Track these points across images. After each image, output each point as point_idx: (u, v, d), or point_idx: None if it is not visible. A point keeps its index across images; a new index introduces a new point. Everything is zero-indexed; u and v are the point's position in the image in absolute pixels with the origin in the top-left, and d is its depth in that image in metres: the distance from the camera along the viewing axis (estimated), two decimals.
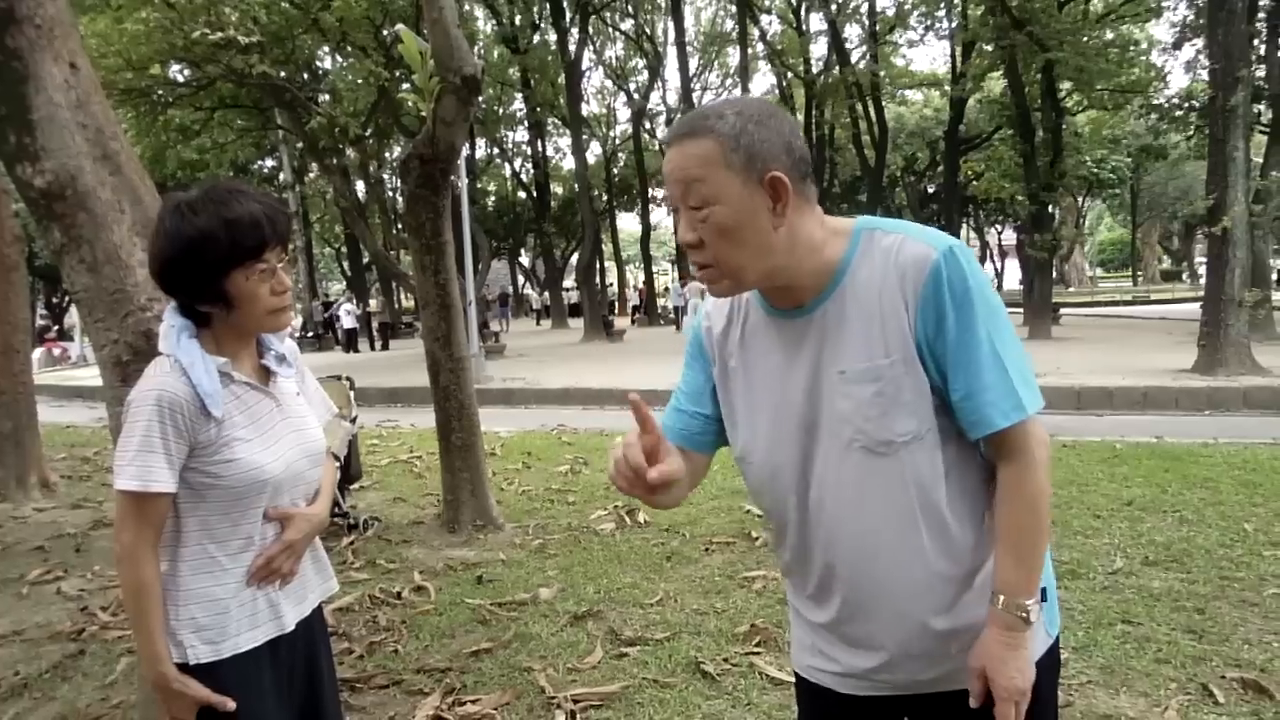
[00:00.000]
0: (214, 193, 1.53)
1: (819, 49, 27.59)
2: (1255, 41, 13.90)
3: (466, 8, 23.15)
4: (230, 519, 1.56)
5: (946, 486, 1.25)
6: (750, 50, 24.20)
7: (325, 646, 1.80)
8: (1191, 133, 19.35)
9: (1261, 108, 15.18)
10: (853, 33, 26.73)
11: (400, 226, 30.65)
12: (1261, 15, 14.29)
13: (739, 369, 1.39)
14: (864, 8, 24.85)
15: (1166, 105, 19.66)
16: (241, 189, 1.55)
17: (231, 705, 1.53)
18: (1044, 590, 1.30)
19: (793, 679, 1.52)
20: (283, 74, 15.94)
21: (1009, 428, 1.20)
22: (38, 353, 19.88)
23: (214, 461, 1.52)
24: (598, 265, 31.80)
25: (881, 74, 24.48)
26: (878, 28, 24.61)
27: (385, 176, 28.91)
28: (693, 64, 30.30)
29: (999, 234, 46.50)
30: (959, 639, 1.28)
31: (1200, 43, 17.55)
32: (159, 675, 1.50)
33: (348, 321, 24.11)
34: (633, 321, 31.71)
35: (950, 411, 1.23)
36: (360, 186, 21.94)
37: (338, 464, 1.93)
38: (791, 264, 1.25)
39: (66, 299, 32.93)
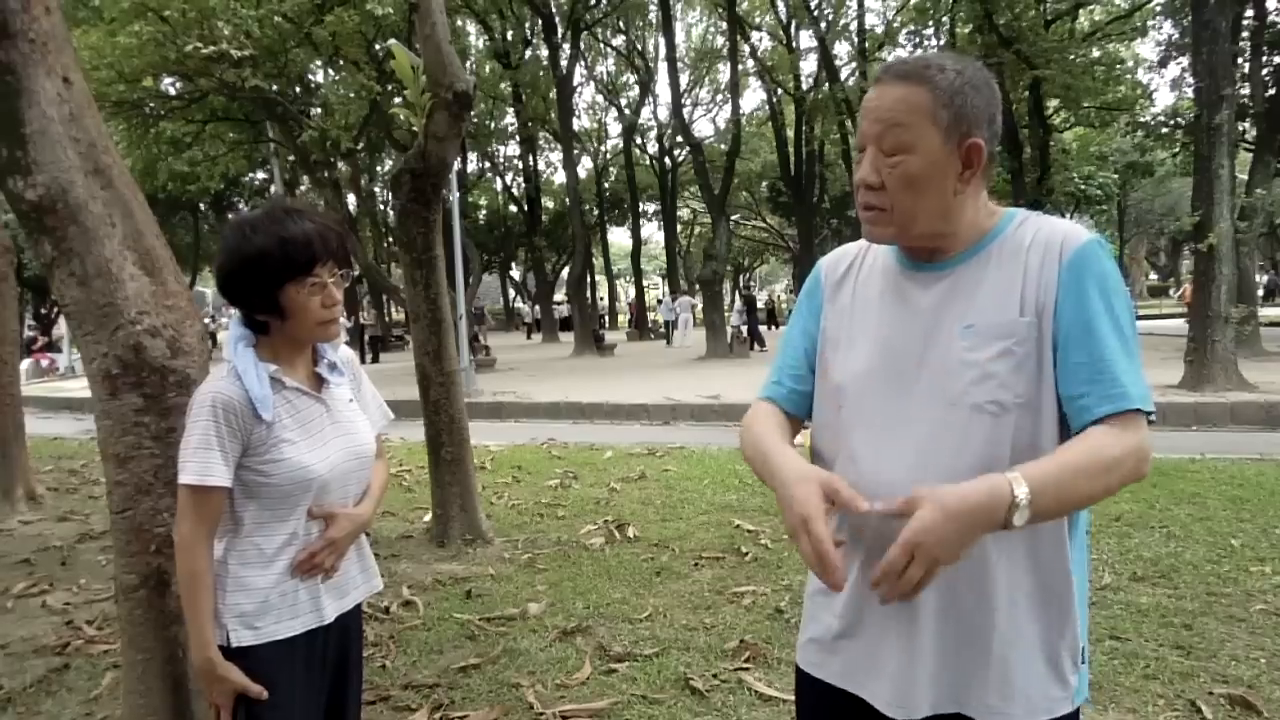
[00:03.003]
0: (273, 213, 1.68)
1: (809, 66, 27.82)
2: (1239, 60, 14.05)
3: (459, 23, 23.23)
4: (277, 515, 1.69)
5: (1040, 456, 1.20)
6: (740, 67, 24.32)
7: (358, 643, 1.90)
8: (1178, 150, 19.50)
9: (1246, 125, 15.33)
10: (842, 50, 26.96)
11: (391, 240, 30.63)
12: (1245, 34, 14.45)
13: (850, 302, 1.40)
14: (853, 25, 25.08)
15: (1153, 123, 19.80)
16: (299, 209, 1.70)
17: (265, 695, 1.64)
18: (1083, 651, 1.28)
19: (782, 696, 1.51)
20: (275, 87, 15.94)
21: (1131, 412, 1.16)
22: (26, 364, 19.74)
23: (264, 461, 1.65)
24: (588, 279, 31.86)
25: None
26: (867, 45, 24.80)
27: (376, 190, 28.94)
28: (683, 80, 30.49)
29: None
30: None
31: (1185, 61, 17.72)
32: (205, 660, 1.62)
33: None
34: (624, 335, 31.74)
35: (1060, 388, 1.21)
36: (351, 200, 21.93)
37: None
38: (949, 230, 1.28)
39: (55, 310, 32.70)
